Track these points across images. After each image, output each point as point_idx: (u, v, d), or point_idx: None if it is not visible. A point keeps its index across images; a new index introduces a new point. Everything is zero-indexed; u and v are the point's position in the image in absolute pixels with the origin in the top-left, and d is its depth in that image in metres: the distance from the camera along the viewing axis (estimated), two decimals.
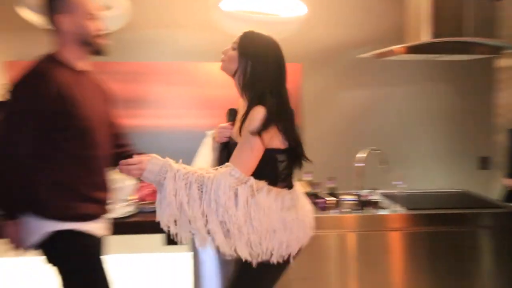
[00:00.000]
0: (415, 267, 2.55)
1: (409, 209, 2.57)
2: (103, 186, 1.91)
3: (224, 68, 1.82)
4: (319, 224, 2.42)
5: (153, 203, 2.57)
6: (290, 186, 1.79)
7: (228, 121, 1.93)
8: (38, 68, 1.73)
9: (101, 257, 1.88)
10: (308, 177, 2.81)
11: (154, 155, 1.62)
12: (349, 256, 2.51)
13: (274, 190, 1.68)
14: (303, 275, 2.47)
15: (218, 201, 1.55)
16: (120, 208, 2.48)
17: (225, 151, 1.87)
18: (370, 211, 2.58)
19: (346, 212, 2.55)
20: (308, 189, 2.72)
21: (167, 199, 1.57)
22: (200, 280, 2.41)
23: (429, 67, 4.08)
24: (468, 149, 4.00)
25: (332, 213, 2.52)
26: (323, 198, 2.64)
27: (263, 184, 1.65)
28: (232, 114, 1.93)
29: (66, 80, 1.75)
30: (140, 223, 2.42)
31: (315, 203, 2.66)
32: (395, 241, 2.55)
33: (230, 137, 1.86)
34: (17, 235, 1.75)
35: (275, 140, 1.68)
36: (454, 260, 2.58)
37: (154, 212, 2.46)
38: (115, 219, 2.32)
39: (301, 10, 2.84)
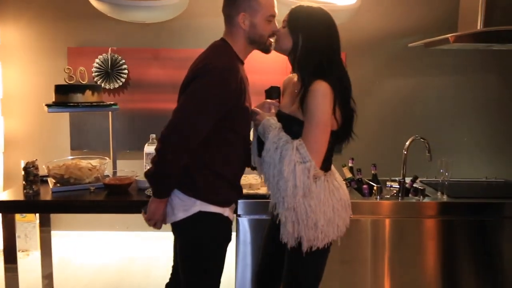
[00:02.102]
0: (455, 255, 2.57)
1: (450, 197, 2.57)
2: (243, 170, 1.98)
3: (276, 48, 1.84)
4: (361, 209, 2.49)
5: None
6: (330, 167, 1.86)
7: (275, 96, 1.97)
8: (225, 60, 1.73)
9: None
10: (351, 163, 2.85)
11: (271, 114, 1.83)
12: (387, 242, 2.54)
13: (322, 174, 1.76)
14: (343, 258, 2.54)
15: (282, 173, 1.67)
16: None
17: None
18: (413, 198, 2.59)
19: (390, 199, 2.58)
20: (351, 175, 2.76)
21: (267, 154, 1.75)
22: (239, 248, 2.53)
23: (475, 57, 3.99)
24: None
25: (376, 199, 2.55)
26: (366, 184, 2.67)
27: (321, 172, 1.74)
28: (275, 91, 1.97)
29: (242, 75, 1.77)
30: None
31: (359, 189, 2.70)
32: (434, 229, 2.55)
33: (279, 111, 1.89)
34: (160, 212, 1.79)
35: (334, 119, 1.73)
36: (491, 250, 2.56)
37: None
38: None
39: None
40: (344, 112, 1.76)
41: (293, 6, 1.83)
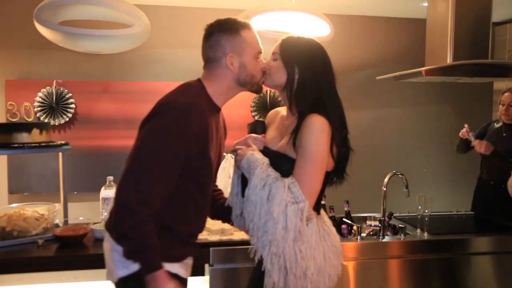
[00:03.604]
0: None
1: (431, 234, 2.48)
2: (202, 227, 1.74)
3: (268, 83, 1.67)
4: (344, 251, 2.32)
5: None
6: (319, 210, 1.69)
7: (260, 132, 1.80)
8: (191, 99, 1.52)
9: None
10: (324, 201, 2.70)
11: (255, 149, 1.65)
12: (374, 285, 2.39)
13: (314, 217, 1.58)
14: None
15: (271, 213, 1.49)
16: None
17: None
18: (394, 237, 2.47)
19: (371, 239, 2.44)
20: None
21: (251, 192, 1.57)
22: None
23: (428, 89, 4.10)
24: (470, 170, 3.93)
25: (356, 240, 2.40)
26: (344, 223, 2.52)
27: (314, 214, 1.55)
28: (260, 126, 1.81)
29: (211, 120, 1.57)
30: None
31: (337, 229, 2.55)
32: (425, 267, 2.45)
33: (264, 147, 1.72)
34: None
35: (329, 158, 1.59)
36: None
37: None
38: None
39: (325, 31, 2.77)
40: (341, 151, 1.61)
41: (278, 39, 1.69)
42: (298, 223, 1.50)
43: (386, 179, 2.53)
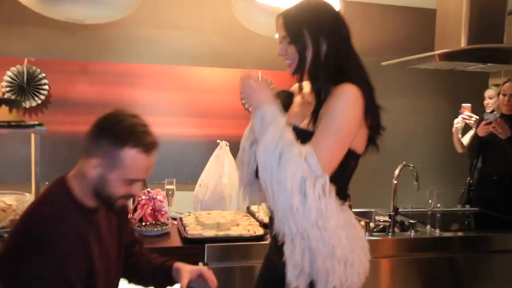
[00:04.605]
0: None
1: (443, 231, 2.30)
2: None
3: (296, 69, 1.41)
4: None
5: (156, 224, 2.23)
6: (345, 197, 1.43)
7: (282, 104, 1.47)
8: (54, 211, 1.27)
9: None
10: None
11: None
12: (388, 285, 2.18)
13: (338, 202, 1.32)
14: None
15: (283, 184, 1.21)
16: None
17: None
18: (404, 234, 2.27)
19: (382, 235, 2.23)
20: None
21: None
22: None
23: (427, 80, 3.96)
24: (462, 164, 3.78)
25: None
26: None
27: (333, 188, 1.27)
28: (287, 96, 1.52)
29: (82, 228, 1.31)
30: None
31: None
32: (438, 265, 2.25)
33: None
34: None
35: (359, 138, 1.35)
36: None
37: (159, 236, 2.14)
38: None
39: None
40: (371, 130, 1.38)
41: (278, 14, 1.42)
42: (320, 203, 1.22)
43: (397, 171, 2.32)
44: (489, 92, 3.58)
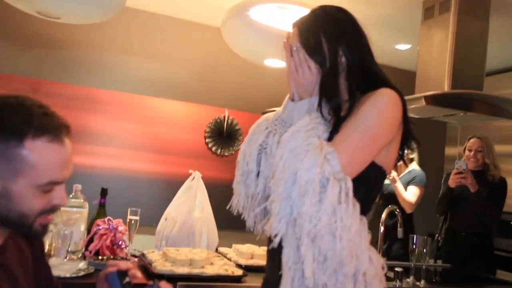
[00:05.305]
0: None
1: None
2: None
3: (301, 92, 1.23)
4: None
5: (115, 260, 1.89)
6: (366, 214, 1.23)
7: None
8: None
9: None
10: None
11: None
12: None
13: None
14: None
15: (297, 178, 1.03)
16: (66, 263, 1.71)
17: None
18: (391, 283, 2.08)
19: None
20: None
21: None
22: None
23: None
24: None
25: None
26: None
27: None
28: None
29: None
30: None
31: None
32: None
33: None
34: None
35: (390, 153, 1.17)
36: None
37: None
38: (63, 278, 1.57)
39: None
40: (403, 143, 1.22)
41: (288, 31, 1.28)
42: (339, 208, 1.02)
43: (384, 215, 2.16)
44: None
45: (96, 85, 3.22)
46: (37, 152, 0.91)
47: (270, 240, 1.16)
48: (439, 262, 2.90)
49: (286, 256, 1.06)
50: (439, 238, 3.18)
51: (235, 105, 3.58)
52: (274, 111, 1.37)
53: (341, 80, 1.20)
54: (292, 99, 1.25)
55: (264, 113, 1.49)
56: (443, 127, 4.30)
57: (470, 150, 3.08)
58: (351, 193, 1.04)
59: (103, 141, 3.21)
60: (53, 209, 0.98)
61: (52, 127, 0.94)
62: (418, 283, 2.13)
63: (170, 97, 3.42)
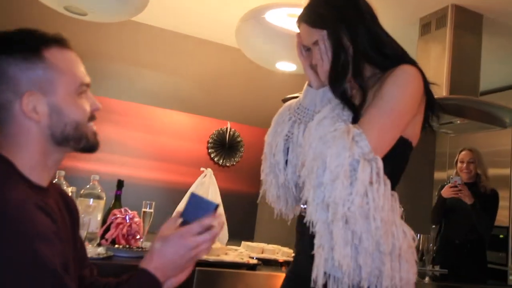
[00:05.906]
0: None
1: None
2: None
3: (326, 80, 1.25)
4: None
5: (130, 248, 1.91)
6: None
7: None
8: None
9: None
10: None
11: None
12: None
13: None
14: None
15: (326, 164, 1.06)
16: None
17: None
18: None
19: None
20: None
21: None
22: None
23: None
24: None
25: None
26: None
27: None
28: None
29: (41, 214, 0.90)
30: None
31: None
32: None
33: None
34: None
35: (415, 126, 1.24)
36: None
37: (134, 258, 1.83)
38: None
39: None
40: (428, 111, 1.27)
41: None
42: (370, 189, 1.05)
43: None
44: None
45: (104, 95, 3.29)
46: (58, 59, 0.97)
47: (300, 224, 1.23)
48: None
49: (319, 241, 1.08)
50: (434, 247, 3.26)
51: (237, 118, 3.68)
52: (295, 97, 1.45)
53: (361, 62, 1.28)
54: (310, 86, 1.30)
55: (284, 100, 1.56)
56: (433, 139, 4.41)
57: (462, 162, 3.20)
58: (381, 172, 1.07)
59: (108, 149, 3.26)
60: (92, 115, 1.03)
61: (56, 38, 0.99)
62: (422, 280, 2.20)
63: (175, 108, 3.51)
